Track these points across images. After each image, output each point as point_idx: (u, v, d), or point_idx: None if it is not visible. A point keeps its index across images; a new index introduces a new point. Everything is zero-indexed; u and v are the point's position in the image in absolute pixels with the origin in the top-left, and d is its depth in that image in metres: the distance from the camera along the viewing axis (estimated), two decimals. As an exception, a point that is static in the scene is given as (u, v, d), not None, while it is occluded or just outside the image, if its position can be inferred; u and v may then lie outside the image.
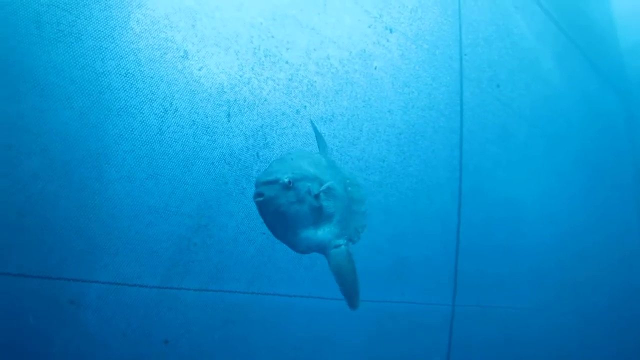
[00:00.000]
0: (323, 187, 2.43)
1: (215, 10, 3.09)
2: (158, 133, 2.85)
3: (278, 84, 3.35)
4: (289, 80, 3.42)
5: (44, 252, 2.47)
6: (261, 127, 3.25)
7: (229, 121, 3.08)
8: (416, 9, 4.42)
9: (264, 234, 3.29)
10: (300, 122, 3.43)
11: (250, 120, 3.19)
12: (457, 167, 4.68)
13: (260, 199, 2.27)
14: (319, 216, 2.44)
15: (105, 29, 2.68)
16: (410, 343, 4.23)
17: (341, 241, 2.54)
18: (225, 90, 3.09)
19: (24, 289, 2.43)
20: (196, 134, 2.96)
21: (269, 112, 3.29)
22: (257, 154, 3.21)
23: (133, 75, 2.75)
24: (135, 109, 2.75)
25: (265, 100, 3.28)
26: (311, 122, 3.21)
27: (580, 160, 6.52)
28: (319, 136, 2.98)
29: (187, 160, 2.91)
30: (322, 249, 2.51)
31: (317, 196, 2.39)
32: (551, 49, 6.04)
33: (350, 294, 2.45)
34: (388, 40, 4.10)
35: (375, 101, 3.92)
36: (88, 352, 2.63)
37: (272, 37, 3.35)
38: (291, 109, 3.39)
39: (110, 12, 2.70)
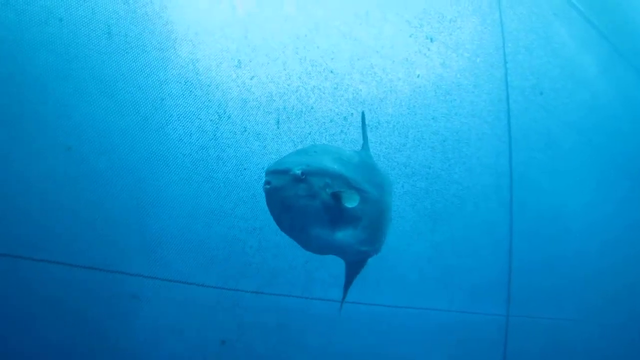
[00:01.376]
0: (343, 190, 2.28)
1: (264, 22, 3.34)
2: (213, 138, 3.08)
3: (324, 93, 3.56)
4: (335, 88, 3.62)
5: (109, 247, 2.69)
6: (309, 134, 3.45)
7: (278, 128, 3.30)
8: (455, 19, 4.60)
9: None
10: (348, 129, 3.62)
11: (298, 127, 3.40)
12: (506, 175, 4.77)
13: (267, 187, 2.20)
14: (338, 216, 2.30)
15: (167, 40, 2.95)
16: (465, 353, 4.28)
17: (365, 248, 2.46)
18: (274, 98, 3.31)
19: (91, 281, 2.65)
20: (248, 139, 3.18)
21: (316, 119, 3.50)
22: (307, 158, 3.39)
23: (191, 83, 3.00)
24: (193, 114, 2.99)
25: (312, 108, 3.48)
26: (362, 114, 3.05)
27: (626, 168, 6.51)
28: (364, 133, 2.92)
29: (239, 164, 3.13)
30: (342, 252, 2.46)
31: (336, 195, 2.25)
32: (594, 55, 6.12)
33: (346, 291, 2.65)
34: (429, 49, 4.29)
35: (419, 108, 4.08)
36: (146, 346, 2.82)
37: (317, 47, 3.58)
38: (338, 116, 3.59)
39: (172, 26, 2.98)
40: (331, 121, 3.55)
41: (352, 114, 3.66)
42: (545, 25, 5.57)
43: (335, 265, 3.57)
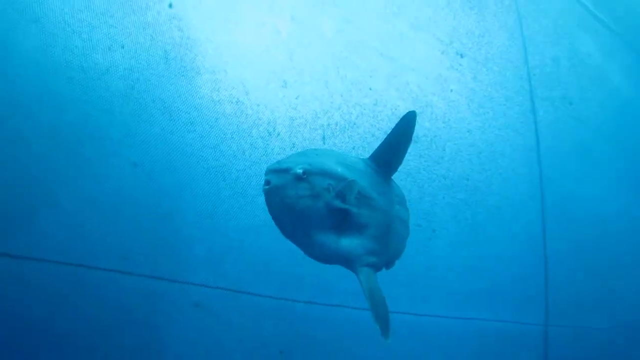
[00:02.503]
0: (344, 184, 2.14)
1: (307, 44, 3.58)
2: (264, 154, 3.28)
3: (365, 109, 3.77)
4: (374, 105, 3.83)
5: (174, 258, 2.88)
6: (353, 148, 3.64)
7: (324, 143, 3.50)
8: (483, 35, 4.82)
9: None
10: (387, 142, 3.80)
11: (342, 142, 3.60)
12: (538, 184, 4.90)
13: (267, 186, 2.13)
14: (342, 221, 2.19)
15: (219, 63, 3.19)
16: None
17: (373, 259, 2.27)
18: (319, 115, 3.53)
19: (156, 290, 2.83)
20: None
21: (359, 134, 3.70)
22: (351, 172, 3.58)
23: (242, 103, 3.23)
24: (245, 132, 3.21)
25: (355, 124, 3.69)
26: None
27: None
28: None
29: (290, 177, 3.32)
30: (347, 261, 2.25)
31: (340, 196, 2.14)
32: (619, 63, 6.28)
33: (381, 321, 2.15)
34: (460, 65, 4.50)
35: (454, 122, 4.27)
36: (207, 354, 2.98)
37: (357, 67, 3.81)
38: (379, 131, 3.78)
39: (222, 50, 3.22)
40: (372, 136, 3.75)
41: (391, 127, 3.85)
42: (570, 36, 5.77)
43: (385, 276, 3.72)
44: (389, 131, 3.79)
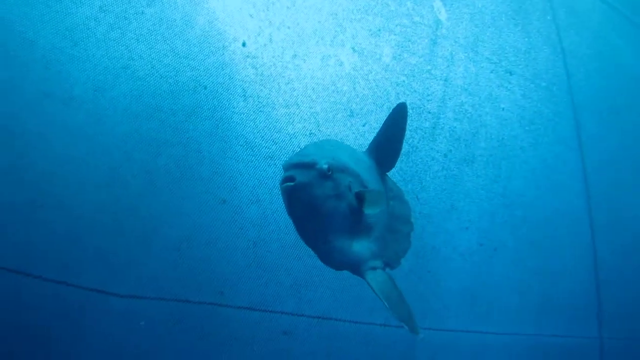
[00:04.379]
0: (371, 190, 2.04)
1: (368, 74, 3.85)
2: (336, 183, 3.55)
3: (425, 132, 4.02)
4: (433, 128, 4.09)
5: (264, 288, 3.15)
6: (416, 172, 3.90)
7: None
8: (529, 51, 5.07)
9: (429, 272, 3.87)
10: (448, 165, 4.06)
11: (407, 166, 3.86)
12: (584, 196, 5.12)
13: (291, 184, 1.90)
14: (357, 224, 2.09)
15: (291, 97, 3.47)
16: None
17: (378, 263, 2.18)
18: (384, 141, 3.79)
19: (249, 320, 3.10)
20: (368, 180, 3.64)
21: (420, 158, 3.95)
22: (417, 196, 3.84)
23: (315, 134, 3.50)
24: (319, 163, 3.48)
25: (416, 148, 3.95)
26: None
27: None
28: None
29: (363, 204, 3.58)
30: (355, 267, 2.15)
31: (359, 196, 2.02)
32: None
33: (405, 319, 2.07)
34: (510, 82, 4.74)
35: (507, 140, 4.51)
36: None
37: (415, 91, 4.07)
38: (439, 154, 4.04)
39: (293, 84, 3.50)
40: (432, 159, 4.00)
41: (450, 150, 4.11)
42: (611, 47, 5.99)
43: (449, 296, 3.97)
44: (448, 154, 4.08)
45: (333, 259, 2.11)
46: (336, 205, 1.98)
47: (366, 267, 2.14)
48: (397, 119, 2.38)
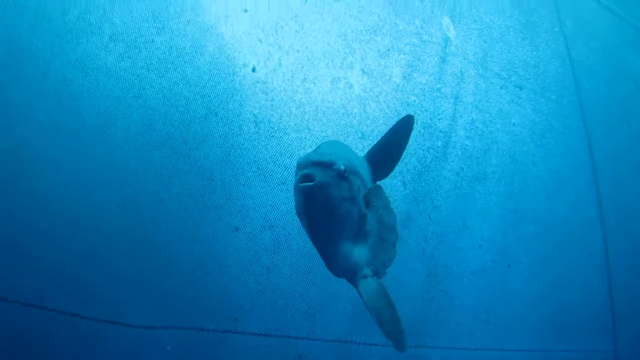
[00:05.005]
0: (373, 190, 2.01)
1: (379, 94, 3.84)
2: (348, 205, 3.54)
3: (437, 152, 4.01)
4: (444, 147, 4.07)
5: (278, 313, 3.14)
6: (428, 192, 3.89)
7: (405, 189, 3.75)
8: (537, 65, 5.05)
9: (441, 290, 3.85)
10: (460, 184, 4.04)
11: (420, 186, 3.84)
12: (596, 209, 5.09)
13: (310, 184, 1.80)
14: (360, 230, 2.06)
15: (302, 122, 3.47)
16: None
17: (369, 271, 2.12)
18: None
19: (263, 346, 3.09)
20: (381, 202, 3.63)
21: (432, 177, 3.94)
22: (429, 216, 3.82)
23: (326, 158, 3.50)
24: (330, 186, 3.48)
25: (429, 167, 3.93)
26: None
27: None
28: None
29: (376, 226, 3.57)
30: (351, 275, 2.09)
31: (366, 200, 2.01)
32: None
33: (393, 334, 2.03)
34: (520, 97, 4.72)
35: (519, 155, 4.49)
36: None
37: (425, 110, 4.06)
38: (451, 172, 4.02)
39: (304, 108, 3.50)
40: (445, 178, 3.99)
41: (462, 168, 4.09)
42: (620, 56, 5.97)
43: (463, 314, 3.95)
44: (460, 172, 4.06)
45: (337, 266, 2.06)
46: (350, 209, 1.95)
47: (361, 274, 2.10)
48: (403, 129, 2.42)
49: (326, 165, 1.86)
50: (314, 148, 2.18)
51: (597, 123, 5.39)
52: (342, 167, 1.88)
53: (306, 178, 1.82)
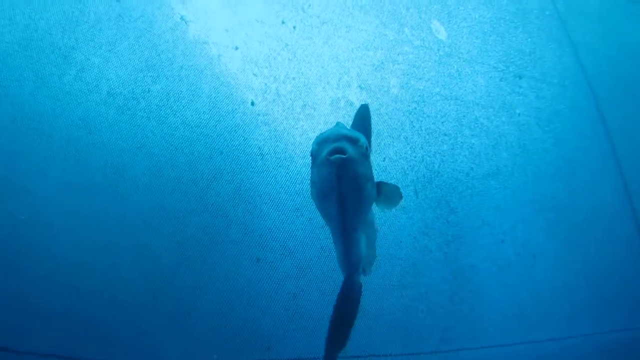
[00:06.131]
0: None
1: (379, 107, 3.87)
2: (364, 221, 3.56)
3: (444, 155, 4.01)
4: (452, 149, 4.07)
5: (307, 336, 3.16)
6: (442, 196, 3.88)
7: (417, 197, 3.75)
8: (534, 51, 5.03)
9: (470, 291, 3.83)
10: (472, 183, 4.03)
11: (432, 192, 3.84)
12: (621, 185, 5.01)
13: (343, 156, 1.66)
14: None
15: (307, 147, 3.48)
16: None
17: (360, 268, 2.04)
18: (407, 172, 3.79)
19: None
20: (396, 214, 3.64)
21: (444, 182, 3.94)
22: (447, 220, 3.82)
23: (336, 178, 3.52)
24: (344, 205, 3.50)
25: (439, 173, 3.93)
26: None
27: None
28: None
29: (395, 237, 3.57)
30: (355, 267, 1.99)
31: (379, 186, 1.90)
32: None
33: (338, 344, 1.99)
34: (521, 87, 4.71)
35: (529, 144, 4.46)
36: None
37: (428, 116, 4.07)
38: (461, 174, 4.02)
39: (308, 134, 3.54)
40: (456, 180, 3.98)
41: (472, 167, 4.08)
42: (617, 28, 5.91)
43: (495, 311, 3.92)
44: (470, 172, 4.04)
45: (353, 252, 1.92)
46: (371, 192, 1.82)
47: (360, 269, 2.02)
48: (363, 114, 2.41)
49: (354, 140, 1.74)
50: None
51: (610, 100, 5.33)
52: (366, 145, 1.78)
53: (339, 150, 1.69)
